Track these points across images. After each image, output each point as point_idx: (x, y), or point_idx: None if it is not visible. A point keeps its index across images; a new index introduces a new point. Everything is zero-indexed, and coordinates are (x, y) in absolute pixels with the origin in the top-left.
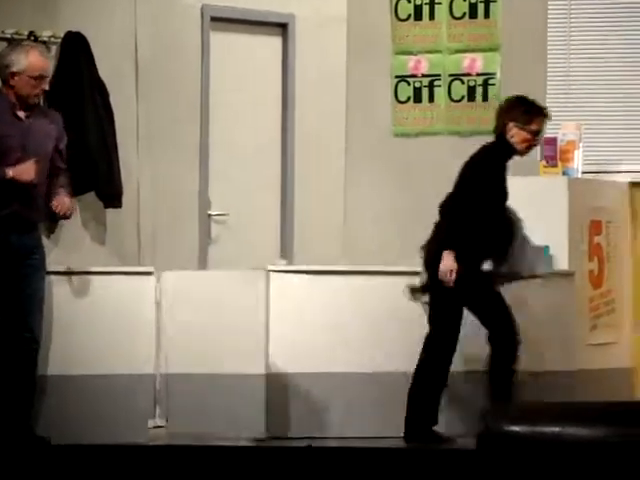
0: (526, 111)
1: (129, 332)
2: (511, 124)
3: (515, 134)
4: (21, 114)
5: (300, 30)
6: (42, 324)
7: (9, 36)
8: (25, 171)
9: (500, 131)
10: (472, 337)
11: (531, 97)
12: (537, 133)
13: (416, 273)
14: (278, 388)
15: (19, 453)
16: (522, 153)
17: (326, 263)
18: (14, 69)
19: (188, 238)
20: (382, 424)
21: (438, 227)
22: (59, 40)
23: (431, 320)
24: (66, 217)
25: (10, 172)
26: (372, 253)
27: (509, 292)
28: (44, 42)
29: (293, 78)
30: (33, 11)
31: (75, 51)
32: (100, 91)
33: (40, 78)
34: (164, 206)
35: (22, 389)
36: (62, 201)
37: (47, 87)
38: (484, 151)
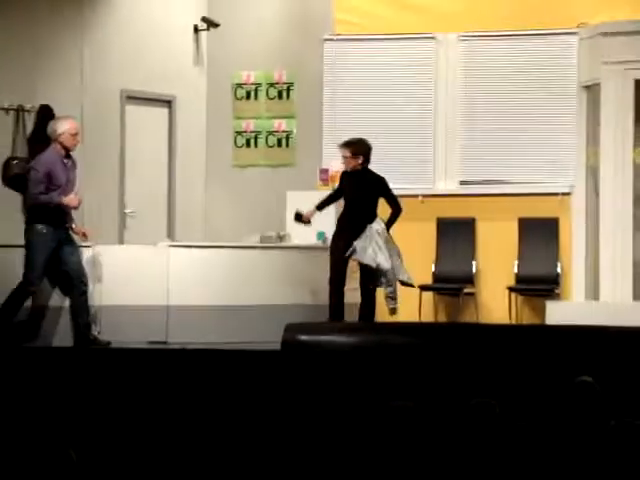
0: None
1: None
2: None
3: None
4: (65, 160)
5: (179, 105)
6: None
7: (6, 106)
8: (73, 200)
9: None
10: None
11: (313, 144)
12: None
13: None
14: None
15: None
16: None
17: (195, 241)
18: (59, 131)
19: (112, 227)
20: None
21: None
22: (36, 109)
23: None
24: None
25: (64, 200)
26: (224, 235)
27: (299, 258)
28: (28, 111)
29: (176, 135)
30: (16, 89)
31: (45, 118)
32: None
33: (76, 134)
34: (108, 208)
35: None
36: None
37: (79, 140)
38: (378, 176)
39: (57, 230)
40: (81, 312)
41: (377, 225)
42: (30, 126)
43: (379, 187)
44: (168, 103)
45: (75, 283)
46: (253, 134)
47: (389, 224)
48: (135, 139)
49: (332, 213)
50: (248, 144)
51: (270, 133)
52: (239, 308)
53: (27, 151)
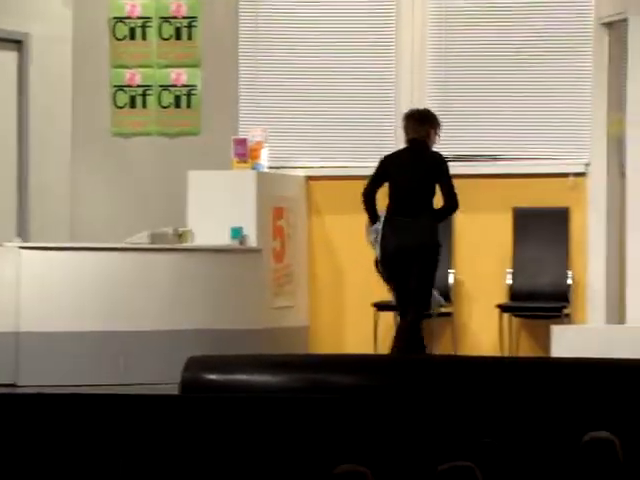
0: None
1: None
2: (432, 131)
3: (434, 138)
4: None
5: (34, 47)
6: None
7: None
8: None
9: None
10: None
11: (227, 105)
12: None
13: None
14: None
15: None
16: None
17: (57, 241)
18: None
19: None
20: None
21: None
22: None
23: None
24: None
25: None
26: (97, 232)
27: (206, 264)
28: None
29: (27, 87)
30: None
31: None
32: None
33: None
34: None
35: None
36: None
37: None
38: (438, 154)
39: None
40: None
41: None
42: None
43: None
44: (17, 44)
45: None
46: (140, 89)
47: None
48: None
49: (251, 201)
50: (133, 104)
51: (164, 88)
52: (119, 336)
53: None
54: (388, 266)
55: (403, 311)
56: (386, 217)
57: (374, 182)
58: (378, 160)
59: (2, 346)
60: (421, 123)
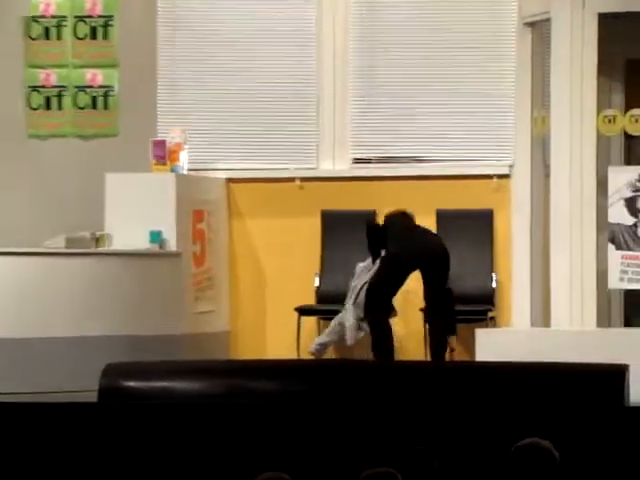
0: None
1: None
2: None
3: None
4: None
5: None
6: None
7: None
8: None
9: None
10: None
11: (144, 105)
12: None
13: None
14: None
15: None
16: None
17: None
18: None
19: None
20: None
21: None
22: None
23: None
24: None
25: None
26: (12, 237)
27: (124, 269)
28: None
29: None
30: None
31: None
32: None
33: None
34: None
35: None
36: None
37: None
38: None
39: None
40: None
41: None
42: None
43: None
44: None
45: None
46: (55, 90)
47: None
48: None
49: (170, 204)
50: (48, 105)
51: (80, 89)
52: (32, 342)
53: None
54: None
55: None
56: None
57: None
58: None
59: None
60: None
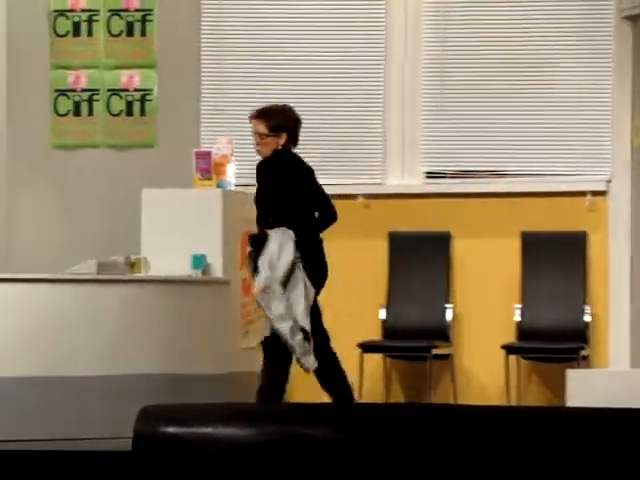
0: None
1: None
2: None
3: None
4: None
5: None
6: None
7: None
8: None
9: None
10: None
11: (187, 112)
12: (258, 135)
13: (79, 281)
14: None
15: None
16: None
17: None
18: None
19: None
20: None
21: None
22: None
23: None
24: None
25: None
26: (35, 261)
27: (162, 298)
28: None
29: None
30: None
31: None
32: None
33: None
34: None
35: None
36: None
37: None
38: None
39: None
40: None
41: (274, 239)
42: None
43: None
44: None
45: None
46: (86, 94)
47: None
48: None
49: (216, 225)
50: (78, 111)
51: (114, 93)
52: (57, 381)
53: None
54: None
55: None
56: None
57: None
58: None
59: None
60: None
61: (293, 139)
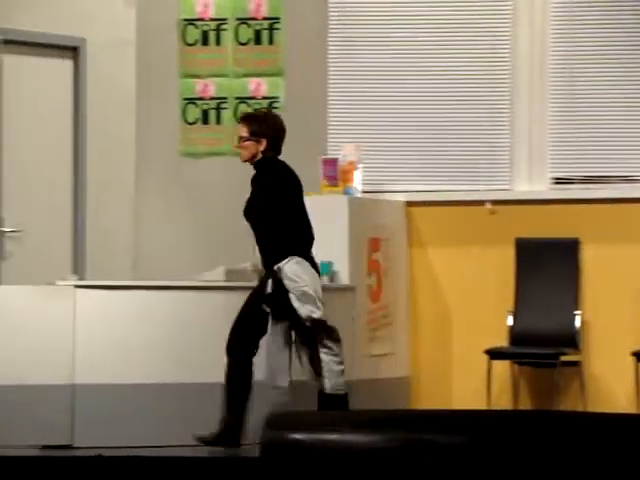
0: None
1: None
2: None
3: None
4: None
5: (91, 53)
6: None
7: None
8: None
9: None
10: None
11: (314, 119)
12: (239, 138)
13: (207, 288)
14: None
15: None
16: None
17: (118, 279)
18: None
19: None
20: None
21: None
22: None
23: None
24: None
25: None
26: (164, 268)
27: None
28: None
29: (84, 99)
30: None
31: None
32: None
33: None
34: None
35: None
36: None
37: None
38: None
39: None
40: None
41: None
42: None
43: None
44: (73, 51)
45: None
46: (214, 102)
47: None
48: (15, 107)
49: (343, 231)
50: (206, 119)
51: (242, 101)
52: (187, 388)
53: None
54: None
55: None
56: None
57: None
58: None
59: (56, 401)
60: None
61: (274, 147)
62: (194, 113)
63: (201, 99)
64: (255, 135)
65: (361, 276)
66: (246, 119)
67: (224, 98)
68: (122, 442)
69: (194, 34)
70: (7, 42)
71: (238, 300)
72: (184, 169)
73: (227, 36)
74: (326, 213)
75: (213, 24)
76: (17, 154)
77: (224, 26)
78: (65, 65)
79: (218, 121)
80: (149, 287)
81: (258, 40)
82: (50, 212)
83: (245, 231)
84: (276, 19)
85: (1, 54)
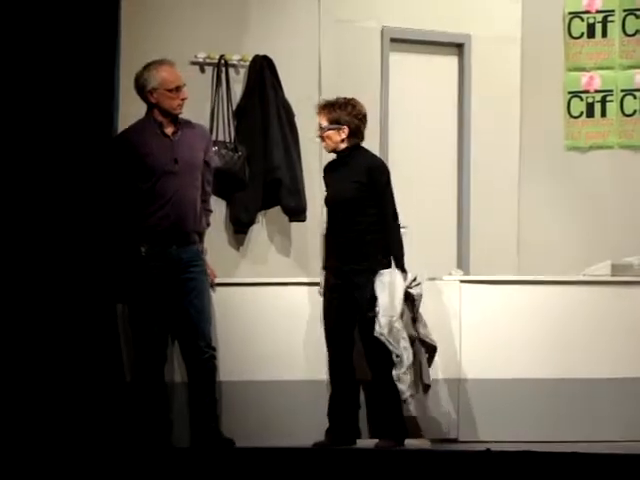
0: None
1: (298, 340)
2: None
3: None
4: (169, 130)
5: (476, 50)
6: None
7: (201, 60)
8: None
9: None
10: None
11: None
12: (320, 128)
13: (593, 282)
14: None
15: (208, 454)
16: None
17: (502, 273)
18: (150, 87)
19: None
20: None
21: None
22: (247, 63)
23: None
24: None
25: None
26: (548, 262)
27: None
28: (233, 65)
29: (469, 95)
30: (222, 36)
31: (262, 73)
32: (286, 111)
33: (177, 89)
34: None
35: (207, 395)
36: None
37: (186, 96)
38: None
39: (174, 248)
40: (206, 395)
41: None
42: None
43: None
44: (458, 48)
45: (197, 346)
46: (599, 95)
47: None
48: (402, 105)
49: None
50: (591, 112)
51: (628, 93)
52: (571, 384)
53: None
54: None
55: None
56: None
57: None
58: None
59: (443, 395)
60: None
61: (356, 134)
62: (579, 106)
63: (586, 92)
64: (336, 123)
65: None
66: (325, 107)
67: (609, 91)
68: (505, 437)
69: (580, 27)
70: (393, 40)
71: (623, 294)
72: (570, 163)
73: (614, 28)
74: None
75: (599, 16)
76: (403, 152)
77: (611, 18)
78: (450, 62)
79: (603, 114)
80: (534, 282)
81: None
82: (435, 208)
83: (632, 225)
84: None
85: (387, 52)
